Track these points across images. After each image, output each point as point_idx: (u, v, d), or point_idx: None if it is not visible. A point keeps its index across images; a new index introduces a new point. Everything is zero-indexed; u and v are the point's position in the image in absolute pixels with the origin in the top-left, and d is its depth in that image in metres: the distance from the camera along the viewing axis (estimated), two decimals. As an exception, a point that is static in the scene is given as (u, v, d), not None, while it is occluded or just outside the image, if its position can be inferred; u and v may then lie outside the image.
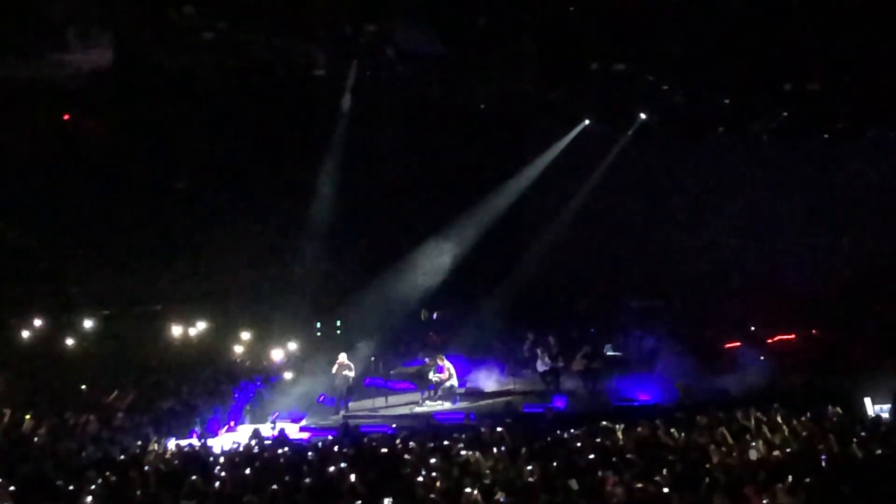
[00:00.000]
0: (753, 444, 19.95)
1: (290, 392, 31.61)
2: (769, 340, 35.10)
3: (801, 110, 32.65)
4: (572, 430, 23.39)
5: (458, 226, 36.98)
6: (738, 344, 33.89)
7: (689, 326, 35.29)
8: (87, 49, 29.71)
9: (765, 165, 36.25)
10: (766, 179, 36.55)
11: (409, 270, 35.91)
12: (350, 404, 31.24)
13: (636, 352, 34.65)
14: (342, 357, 31.04)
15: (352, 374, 30.98)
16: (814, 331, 35.45)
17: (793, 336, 35.20)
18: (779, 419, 22.48)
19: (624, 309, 37.48)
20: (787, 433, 20.93)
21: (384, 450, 21.79)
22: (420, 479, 18.20)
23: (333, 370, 30.92)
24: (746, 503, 15.49)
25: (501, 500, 16.34)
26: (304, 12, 28.46)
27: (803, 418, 22.30)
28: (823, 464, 18.03)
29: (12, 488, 18.96)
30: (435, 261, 36.35)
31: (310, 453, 22.17)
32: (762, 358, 32.25)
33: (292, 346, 33.54)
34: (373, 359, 33.60)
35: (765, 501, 15.45)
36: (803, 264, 35.32)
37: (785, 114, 33.29)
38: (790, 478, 16.30)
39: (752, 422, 22.33)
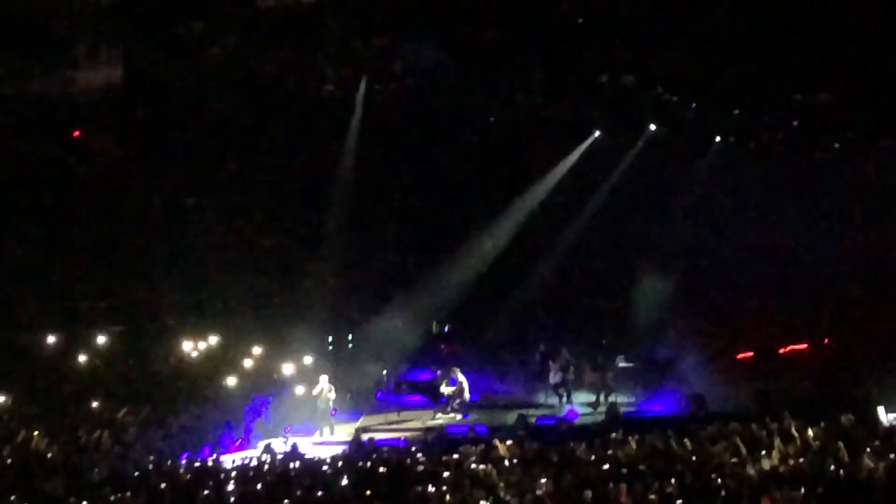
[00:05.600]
0: (766, 454, 19.91)
1: (303, 406, 31.55)
2: (781, 350, 35.00)
3: (810, 120, 32.61)
4: (585, 443, 23.31)
5: (471, 239, 36.93)
6: (751, 354, 33.79)
7: (700, 337, 35.13)
8: (96, 66, 29.89)
9: (774, 176, 36.09)
10: (776, 189, 36.37)
11: (421, 285, 35.78)
12: (361, 419, 31.28)
13: (648, 363, 34.56)
14: (323, 380, 30.59)
15: (332, 396, 30.38)
16: (826, 339, 35.32)
17: (805, 345, 35.08)
18: (792, 429, 22.42)
19: (634, 320, 37.41)
20: (799, 443, 20.88)
21: (396, 463, 21.79)
22: (432, 491, 18.20)
23: (315, 392, 30.53)
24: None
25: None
26: (313, 28, 28.60)
27: (816, 428, 22.21)
28: (838, 474, 17.96)
29: (26, 505, 19.06)
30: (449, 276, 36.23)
31: (323, 467, 22.17)
32: (774, 367, 32.24)
33: (308, 359, 33.37)
34: (385, 373, 33.72)
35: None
36: (814, 274, 35.12)
37: (795, 123, 33.25)
38: (803, 489, 16.26)
39: (765, 432, 22.28)
